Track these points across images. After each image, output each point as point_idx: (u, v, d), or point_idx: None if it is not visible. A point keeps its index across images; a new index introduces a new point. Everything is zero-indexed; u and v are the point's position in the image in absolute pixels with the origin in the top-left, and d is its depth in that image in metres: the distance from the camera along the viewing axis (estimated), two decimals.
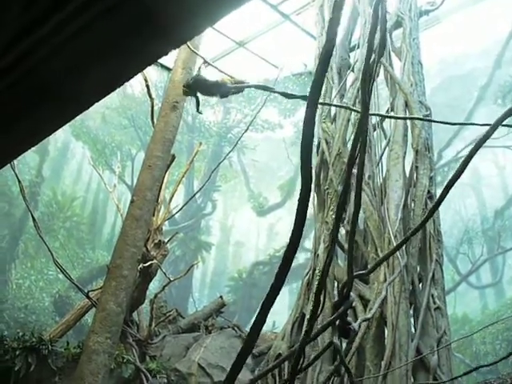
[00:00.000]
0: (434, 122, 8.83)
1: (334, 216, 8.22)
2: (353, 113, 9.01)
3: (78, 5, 1.81)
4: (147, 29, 1.92)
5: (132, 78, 2.21)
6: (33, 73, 2.11)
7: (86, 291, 9.97)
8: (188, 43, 6.83)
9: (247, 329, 11.80)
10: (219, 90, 5.70)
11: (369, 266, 7.66)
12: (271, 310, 2.01)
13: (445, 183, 2.61)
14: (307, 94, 1.85)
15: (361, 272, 4.04)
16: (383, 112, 9.41)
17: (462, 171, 2.48)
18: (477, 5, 13.60)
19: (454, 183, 2.49)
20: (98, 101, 2.35)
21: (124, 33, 1.93)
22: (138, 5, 1.81)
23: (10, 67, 2.08)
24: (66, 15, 1.84)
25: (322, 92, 9.64)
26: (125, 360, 9.33)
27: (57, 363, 9.20)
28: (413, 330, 7.13)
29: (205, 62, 7.11)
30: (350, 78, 9.94)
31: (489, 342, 12.66)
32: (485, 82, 14.99)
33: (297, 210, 1.90)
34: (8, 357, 8.97)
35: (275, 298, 1.95)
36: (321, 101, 9.53)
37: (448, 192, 2.58)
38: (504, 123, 2.64)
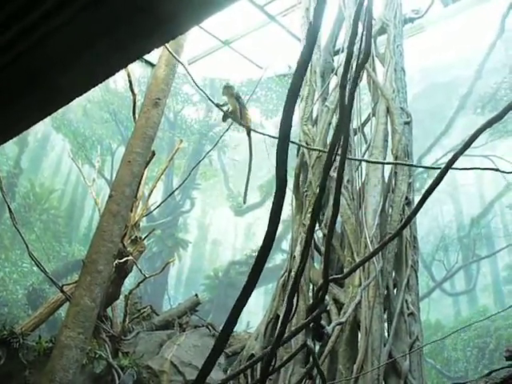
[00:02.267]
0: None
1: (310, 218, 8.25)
2: (334, 116, 9.06)
3: None
4: (132, 25, 1.92)
5: (115, 73, 2.21)
6: (18, 62, 2.10)
7: (60, 285, 9.90)
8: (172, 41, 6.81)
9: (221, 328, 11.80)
10: None
11: (345, 270, 7.70)
12: (246, 309, 2.01)
13: (423, 190, 2.64)
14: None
15: (336, 276, 4.06)
16: (364, 117, 9.47)
17: (438, 183, 2.51)
18: (461, 14, 13.73)
19: (429, 195, 2.52)
20: (81, 94, 2.34)
21: (108, 27, 1.93)
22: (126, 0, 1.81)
23: None
24: (53, 4, 1.83)
25: (305, 94, 9.68)
26: (97, 356, 9.28)
27: (28, 357, 9.12)
28: (386, 334, 7.18)
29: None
30: (333, 81, 9.98)
31: (460, 348, 12.76)
32: (465, 92, 15.11)
33: (270, 212, 1.91)
34: None
35: (247, 299, 1.96)
36: (303, 103, 9.57)
37: (423, 204, 2.60)
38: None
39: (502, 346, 12.00)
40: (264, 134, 7.61)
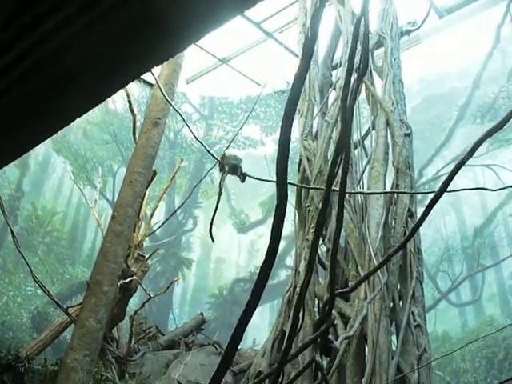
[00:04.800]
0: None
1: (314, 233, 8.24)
2: (334, 131, 9.07)
3: (61, 17, 1.81)
4: (130, 45, 1.93)
5: (115, 92, 2.22)
6: (13, 89, 2.11)
7: (65, 307, 9.87)
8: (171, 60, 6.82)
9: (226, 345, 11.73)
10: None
11: (349, 284, 7.68)
12: (252, 326, 2.01)
13: (425, 201, 2.64)
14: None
15: (343, 290, 4.04)
16: (364, 130, 9.48)
17: (439, 197, 2.50)
18: (456, 26, 13.81)
19: (431, 209, 2.52)
20: (79, 116, 2.35)
21: (106, 48, 1.94)
22: (121, 21, 1.82)
23: None
24: (52, 26, 1.84)
25: (304, 110, 9.70)
26: (103, 377, 9.24)
27: (33, 381, 9.09)
28: (393, 347, 7.14)
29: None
30: (332, 96, 10.00)
31: (468, 359, 12.68)
32: (464, 102, 15.16)
33: (272, 228, 1.91)
34: None
35: (252, 314, 1.95)
36: (302, 119, 9.59)
37: (426, 217, 2.60)
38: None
39: (510, 355, 11.94)
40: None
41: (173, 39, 1.90)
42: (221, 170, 7.29)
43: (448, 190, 2.66)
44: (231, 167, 7.18)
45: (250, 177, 7.38)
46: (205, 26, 1.82)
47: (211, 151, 7.49)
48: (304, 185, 8.98)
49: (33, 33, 1.83)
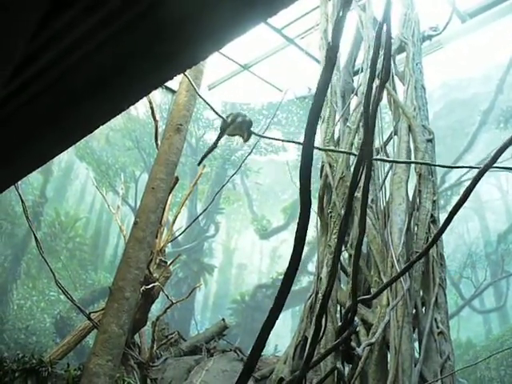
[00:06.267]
0: (434, 165, 8.85)
1: (336, 240, 8.21)
2: (356, 136, 9.03)
3: (87, 28, 1.83)
4: (154, 54, 1.94)
5: (137, 102, 2.23)
6: (38, 99, 2.13)
7: (87, 313, 9.93)
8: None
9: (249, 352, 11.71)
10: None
11: (372, 290, 7.62)
12: (274, 332, 2.00)
13: (448, 207, 2.62)
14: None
15: (365, 297, 4.02)
16: (386, 136, 9.43)
17: (463, 202, 2.48)
18: (478, 31, 13.70)
19: (455, 213, 2.49)
20: (103, 124, 2.36)
21: (131, 57, 1.95)
22: (146, 30, 1.83)
23: (15, 92, 2.10)
24: (78, 36, 1.86)
25: (326, 116, 9.67)
26: (125, 383, 9.27)
27: None
28: (416, 354, 7.08)
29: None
30: (354, 101, 9.97)
31: (493, 367, 12.52)
32: (487, 107, 15.01)
33: (296, 232, 1.91)
34: (7, 379, 8.92)
35: (275, 321, 1.95)
36: (324, 125, 9.56)
37: (450, 222, 2.57)
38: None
39: None
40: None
41: (196, 48, 1.91)
42: (221, 128, 6.34)
43: (473, 192, 2.63)
44: (236, 124, 6.22)
45: (255, 134, 6.53)
46: (228, 34, 1.82)
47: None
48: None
49: (59, 44, 1.85)
